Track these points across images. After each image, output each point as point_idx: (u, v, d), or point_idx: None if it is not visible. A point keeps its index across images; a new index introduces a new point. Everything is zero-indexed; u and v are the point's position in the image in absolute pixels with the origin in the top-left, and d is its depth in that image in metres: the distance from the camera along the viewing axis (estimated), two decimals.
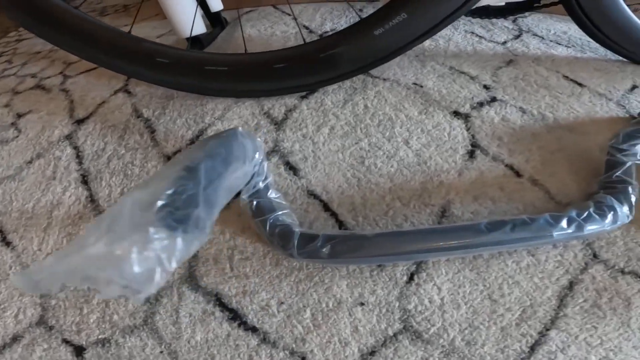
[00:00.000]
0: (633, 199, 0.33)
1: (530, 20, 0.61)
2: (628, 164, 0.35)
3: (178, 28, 0.52)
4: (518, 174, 0.38)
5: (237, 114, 0.46)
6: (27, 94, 0.60)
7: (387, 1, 0.41)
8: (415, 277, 0.33)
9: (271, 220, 0.32)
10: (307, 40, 0.48)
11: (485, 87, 0.47)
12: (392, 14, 0.41)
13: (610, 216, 0.32)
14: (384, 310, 0.32)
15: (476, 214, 0.36)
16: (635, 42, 0.48)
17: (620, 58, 0.52)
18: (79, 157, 0.48)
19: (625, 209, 0.32)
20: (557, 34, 0.57)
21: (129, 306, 0.34)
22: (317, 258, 0.31)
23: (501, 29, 0.58)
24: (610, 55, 0.52)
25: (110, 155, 0.46)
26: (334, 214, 0.37)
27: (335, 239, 0.31)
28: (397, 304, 0.32)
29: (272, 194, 0.34)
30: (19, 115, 0.56)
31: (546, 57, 0.53)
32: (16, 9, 0.42)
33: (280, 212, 0.32)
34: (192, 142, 0.45)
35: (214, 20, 0.62)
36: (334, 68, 0.43)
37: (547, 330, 0.31)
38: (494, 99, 0.45)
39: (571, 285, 0.32)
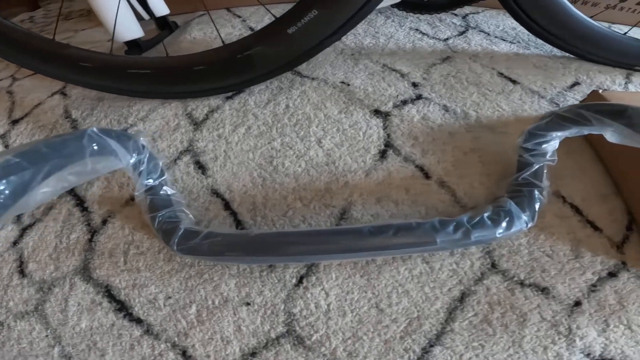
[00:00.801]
0: (538, 203, 0.32)
1: (482, 16, 0.59)
2: (535, 166, 0.33)
3: (112, 33, 0.54)
4: (427, 176, 0.37)
5: (161, 115, 0.46)
6: None
7: None
8: (305, 280, 0.33)
9: (160, 217, 0.32)
10: None
11: (414, 84, 0.46)
12: (304, 11, 0.40)
13: (504, 223, 0.30)
14: (269, 312, 0.32)
15: (376, 217, 0.35)
16: (575, 35, 0.46)
17: (567, 54, 0.50)
18: None
19: (526, 215, 0.31)
20: (505, 30, 0.56)
21: (24, 294, 0.35)
22: (196, 254, 0.31)
23: (448, 25, 0.57)
24: (557, 52, 0.50)
25: None
26: (233, 213, 0.37)
27: (217, 236, 0.31)
28: (282, 307, 0.32)
29: (166, 191, 0.34)
30: None
31: (485, 54, 0.51)
32: None
33: (171, 209, 0.33)
34: None
35: (161, 24, 0.63)
36: (252, 69, 0.43)
37: (431, 346, 0.30)
38: (419, 97, 0.44)
39: (463, 297, 0.31)
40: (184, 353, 0.30)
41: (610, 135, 0.28)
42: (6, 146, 0.50)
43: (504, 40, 0.55)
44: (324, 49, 0.42)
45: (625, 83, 0.47)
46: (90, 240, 0.35)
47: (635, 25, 0.55)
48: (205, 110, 0.45)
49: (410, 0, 0.50)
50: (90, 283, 0.33)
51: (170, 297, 0.32)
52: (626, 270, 0.31)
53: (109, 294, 0.33)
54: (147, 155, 0.33)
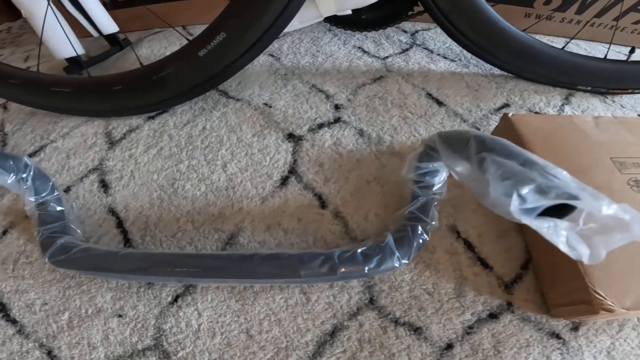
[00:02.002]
0: (420, 240, 0.32)
1: (431, 33, 0.60)
2: (422, 200, 0.33)
3: (52, 50, 0.57)
4: (323, 205, 0.38)
5: (81, 132, 0.49)
6: None
7: None
8: (180, 299, 0.34)
9: (43, 230, 0.35)
10: None
11: (336, 106, 0.47)
12: (213, 35, 0.42)
13: (375, 259, 0.31)
14: (139, 326, 0.33)
15: (262, 244, 0.36)
16: (506, 49, 0.48)
17: (505, 73, 0.52)
18: None
19: (401, 252, 0.31)
20: (450, 47, 0.56)
21: None
22: (67, 267, 0.33)
23: (393, 43, 0.58)
24: (497, 70, 0.50)
25: None
26: (124, 231, 0.38)
27: (89, 251, 0.33)
28: (153, 322, 0.33)
29: (55, 207, 0.38)
30: None
31: (420, 73, 0.53)
32: None
33: (59, 224, 0.36)
34: (29, 156, 0.48)
35: (111, 41, 0.67)
36: (166, 90, 0.45)
37: None
38: (337, 120, 0.45)
39: (334, 332, 0.31)
40: (49, 353, 0.33)
41: (458, 173, 0.28)
42: None
43: (445, 58, 0.56)
44: (236, 72, 0.44)
45: (562, 105, 0.48)
46: None
47: (573, 38, 0.54)
48: (124, 129, 0.47)
49: (340, 18, 0.51)
50: None
51: (46, 304, 0.35)
52: (510, 312, 0.31)
53: None
54: (32, 173, 0.34)
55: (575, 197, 0.18)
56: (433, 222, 0.31)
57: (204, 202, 0.38)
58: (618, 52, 0.55)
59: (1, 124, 0.53)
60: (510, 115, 0.37)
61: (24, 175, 0.34)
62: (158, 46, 0.63)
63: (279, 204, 0.37)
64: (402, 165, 0.38)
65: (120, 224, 0.38)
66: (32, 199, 0.35)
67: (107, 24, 0.63)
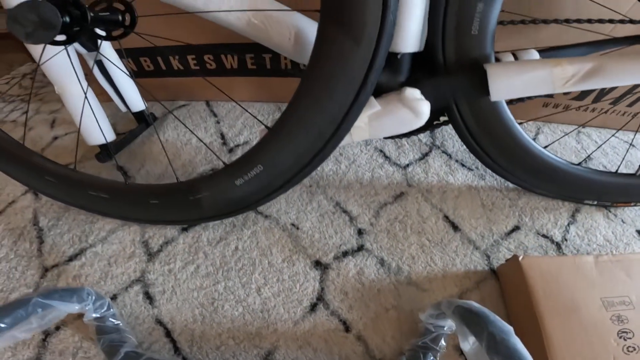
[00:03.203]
0: None
1: (449, 129, 0.80)
2: (434, 334, 0.52)
3: (84, 135, 0.70)
4: (347, 329, 0.58)
5: (119, 239, 0.63)
6: None
7: None
8: None
9: (104, 339, 0.51)
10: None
11: (360, 231, 0.64)
12: (250, 165, 0.58)
13: None
14: None
15: None
16: (526, 169, 0.65)
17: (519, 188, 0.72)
18: None
19: None
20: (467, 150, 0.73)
21: None
22: None
23: (414, 143, 0.80)
24: (510, 184, 0.71)
25: (2, 258, 0.70)
26: (173, 341, 0.57)
27: None
28: None
29: (112, 322, 0.53)
30: None
31: (439, 188, 0.73)
32: None
33: (116, 334, 0.52)
34: (70, 259, 0.60)
35: (138, 118, 0.79)
36: (200, 211, 0.59)
37: None
38: (361, 248, 0.64)
39: None
40: None
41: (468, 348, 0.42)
42: None
43: (463, 165, 0.76)
44: (272, 199, 0.56)
45: (568, 224, 0.68)
46: (44, 340, 0.56)
47: (583, 125, 0.79)
48: (160, 240, 0.62)
49: None
50: None
51: None
52: None
53: None
54: (93, 299, 0.53)
55: None
56: (442, 350, 0.51)
57: (242, 321, 0.58)
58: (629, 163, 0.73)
59: (34, 215, 0.67)
60: (520, 258, 0.55)
61: (86, 304, 0.48)
62: (183, 129, 0.75)
63: (309, 327, 0.57)
64: (417, 295, 0.58)
65: (168, 333, 0.57)
66: (92, 315, 0.53)
67: (137, 101, 0.80)
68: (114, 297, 0.60)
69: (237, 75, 0.86)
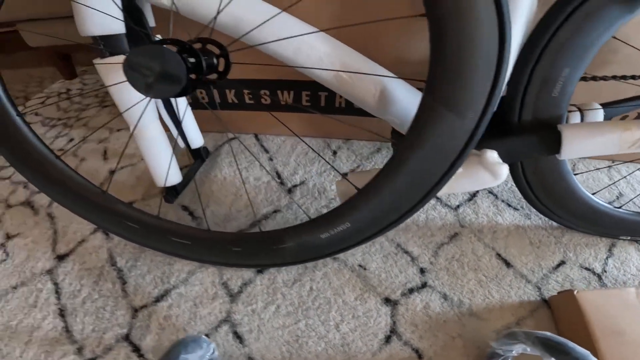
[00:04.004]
0: None
1: None
2: (503, 356, 0.64)
3: (154, 176, 0.77)
4: (420, 357, 0.69)
5: (199, 280, 0.71)
6: (17, 211, 0.90)
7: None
8: None
9: None
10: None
11: (422, 270, 0.74)
12: (338, 222, 0.64)
13: None
14: None
15: None
16: (575, 214, 0.77)
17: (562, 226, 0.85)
18: (57, 293, 0.79)
19: None
20: (512, 189, 0.87)
21: None
22: None
23: None
24: (554, 222, 0.84)
25: (86, 297, 0.75)
26: None
27: None
28: None
29: None
30: (8, 237, 0.80)
31: (489, 228, 0.84)
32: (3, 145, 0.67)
33: None
34: (157, 300, 0.66)
35: (195, 154, 0.85)
36: (283, 258, 0.67)
37: None
38: (424, 285, 0.73)
39: None
40: None
41: None
42: (55, 283, 0.71)
43: (509, 205, 0.88)
44: (352, 249, 0.64)
45: (606, 258, 0.79)
46: None
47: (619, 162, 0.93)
48: (239, 282, 0.70)
49: None
50: None
51: None
52: None
53: None
54: (212, 350, 0.64)
55: None
56: None
57: (326, 356, 0.70)
58: None
59: (110, 255, 0.74)
60: (575, 292, 0.66)
61: (207, 350, 0.62)
62: (240, 166, 0.82)
63: (385, 357, 0.69)
64: (479, 324, 0.70)
65: None
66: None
67: (197, 138, 0.88)
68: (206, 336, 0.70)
69: (289, 111, 0.93)
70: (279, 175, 0.94)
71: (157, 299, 0.74)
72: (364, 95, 0.61)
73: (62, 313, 0.73)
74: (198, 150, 0.94)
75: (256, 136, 1.03)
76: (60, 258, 0.82)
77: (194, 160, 0.95)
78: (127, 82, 0.49)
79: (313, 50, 0.59)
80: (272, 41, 0.58)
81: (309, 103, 0.93)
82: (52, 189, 0.72)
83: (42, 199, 0.94)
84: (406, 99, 0.63)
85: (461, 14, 0.43)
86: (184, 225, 0.76)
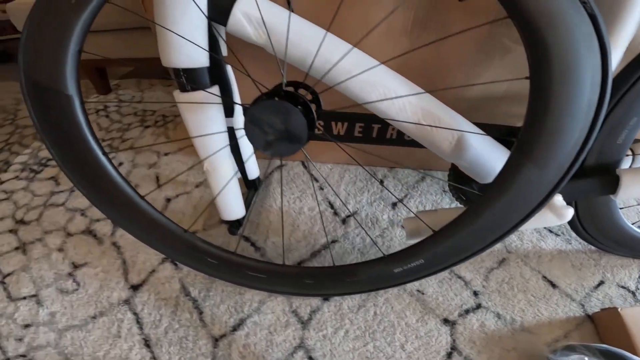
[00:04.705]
0: None
1: None
2: None
3: (221, 210, 0.85)
4: None
5: (271, 309, 0.80)
6: (79, 239, 0.97)
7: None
8: None
9: None
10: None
11: (475, 293, 0.83)
12: (412, 258, 0.71)
13: None
14: None
15: None
16: (617, 242, 0.88)
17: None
18: (139, 323, 0.90)
19: None
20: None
21: None
22: None
23: None
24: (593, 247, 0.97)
25: (167, 327, 0.85)
26: None
27: None
28: None
29: None
30: (75, 266, 0.87)
31: (534, 253, 0.97)
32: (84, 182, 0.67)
33: None
34: (234, 329, 0.74)
35: (249, 184, 0.92)
36: (352, 289, 0.75)
37: None
38: (479, 306, 0.84)
39: None
40: None
41: None
42: (134, 313, 0.77)
43: (550, 232, 1.00)
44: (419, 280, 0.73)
45: (639, 277, 0.91)
46: None
47: None
48: (308, 309, 0.80)
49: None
50: None
51: None
52: None
53: None
54: None
55: None
56: None
57: None
58: None
59: (182, 286, 0.84)
60: (619, 309, 0.78)
61: None
62: (291, 195, 0.95)
63: None
64: (530, 338, 0.80)
65: None
66: None
67: (254, 170, 0.93)
68: None
69: (341, 141, 0.99)
70: (331, 205, 1.05)
71: (234, 328, 0.84)
72: (441, 143, 0.65)
73: (147, 343, 0.81)
74: (253, 180, 1.01)
75: (303, 164, 1.14)
76: (135, 288, 0.93)
77: (247, 190, 1.05)
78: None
79: (398, 98, 0.61)
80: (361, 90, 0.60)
81: (361, 134, 0.98)
82: (138, 229, 0.74)
83: (103, 228, 1.04)
84: (480, 146, 0.67)
85: (568, 80, 0.44)
86: (259, 260, 0.83)
